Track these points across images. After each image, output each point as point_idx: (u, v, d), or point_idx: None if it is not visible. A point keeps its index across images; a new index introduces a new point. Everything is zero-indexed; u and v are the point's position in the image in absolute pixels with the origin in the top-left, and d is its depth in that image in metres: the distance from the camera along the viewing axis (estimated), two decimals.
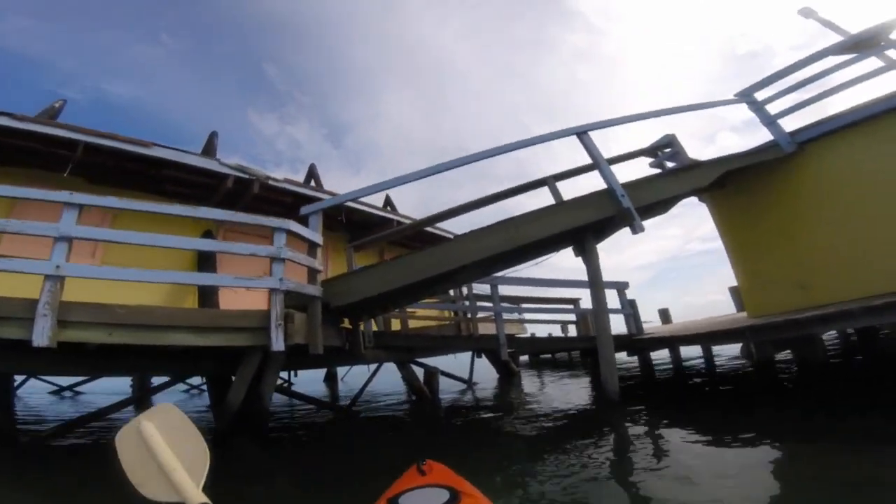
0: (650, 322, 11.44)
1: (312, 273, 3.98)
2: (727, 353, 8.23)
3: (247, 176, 6.94)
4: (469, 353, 9.29)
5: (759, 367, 4.94)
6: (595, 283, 4.96)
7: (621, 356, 9.47)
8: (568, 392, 6.73)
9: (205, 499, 1.30)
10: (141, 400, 7.28)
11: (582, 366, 11.70)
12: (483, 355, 9.97)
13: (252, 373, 3.82)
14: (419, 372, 7.83)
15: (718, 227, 6.85)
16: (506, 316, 6.72)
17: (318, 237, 4.12)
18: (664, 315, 15.16)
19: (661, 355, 7.67)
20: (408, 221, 8.50)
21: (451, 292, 8.98)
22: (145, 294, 5.47)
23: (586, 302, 8.08)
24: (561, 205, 4.58)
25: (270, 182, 7.15)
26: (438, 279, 4.58)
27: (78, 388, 10.93)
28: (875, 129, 5.03)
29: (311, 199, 7.36)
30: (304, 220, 4.20)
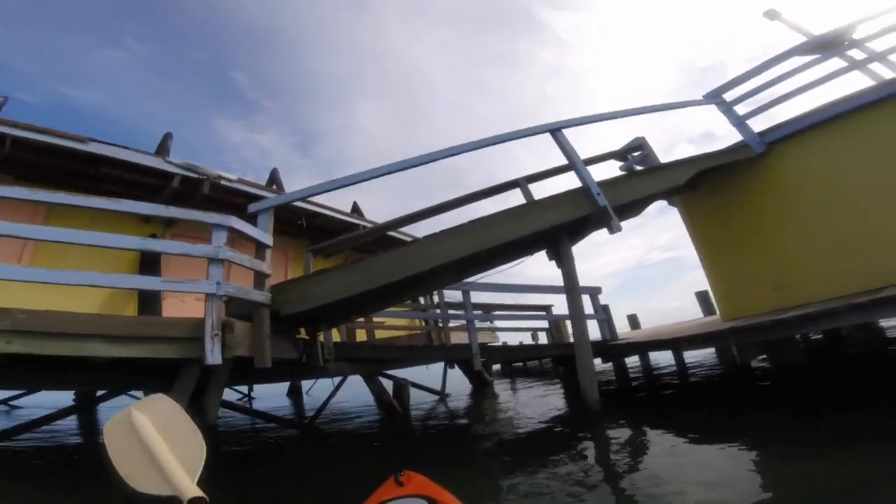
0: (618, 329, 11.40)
1: (259, 277, 3.53)
2: (698, 357, 8.17)
3: (196, 175, 6.40)
4: (441, 364, 8.93)
5: (742, 370, 4.80)
6: (571, 287, 4.72)
7: (594, 362, 9.40)
8: (544, 401, 6.43)
9: (200, 493, 1.22)
10: (82, 411, 6.54)
11: (553, 374, 11.49)
12: (455, 366, 9.61)
13: (191, 388, 3.32)
14: (388, 385, 7.40)
15: (689, 230, 6.79)
16: (478, 324, 6.38)
17: (266, 237, 3.69)
18: (633, 321, 15.26)
19: (633, 360, 7.55)
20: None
21: (422, 300, 8.66)
22: (79, 302, 4.86)
23: (557, 309, 7.95)
24: (534, 204, 4.33)
25: (222, 182, 6.61)
26: (405, 284, 4.21)
27: (14, 402, 10.22)
28: (841, 128, 5.04)
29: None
30: (253, 220, 3.77)
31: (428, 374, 10.07)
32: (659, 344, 5.32)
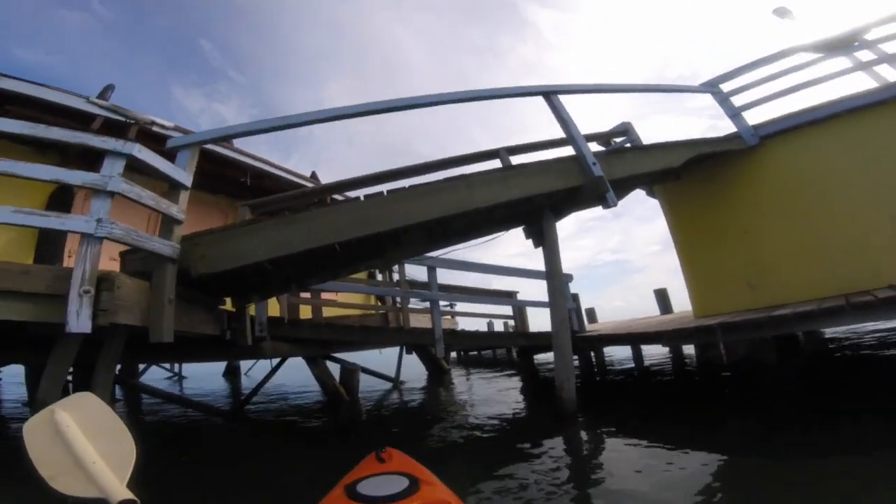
0: None
1: (168, 224, 2.67)
2: (657, 354, 7.97)
3: (123, 118, 5.27)
4: (396, 349, 8.26)
5: (725, 368, 4.46)
6: (553, 269, 4.16)
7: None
8: (507, 395, 5.91)
9: (129, 495, 1.21)
10: None
11: (508, 364, 11.12)
12: (413, 351, 8.97)
13: (67, 365, 2.45)
14: (336, 369, 6.65)
15: (669, 222, 6.50)
16: (443, 306, 5.75)
17: (183, 175, 2.82)
18: (590, 315, 15.26)
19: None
20: (338, 197, 7.22)
21: (379, 276, 7.88)
22: None
23: (522, 296, 7.47)
24: (523, 167, 3.69)
25: (154, 129, 5.50)
26: (361, 250, 3.47)
27: None
28: (835, 128, 4.84)
29: (209, 154, 5.85)
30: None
31: (381, 359, 9.37)
32: (641, 338, 4.92)
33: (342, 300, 7.14)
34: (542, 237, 4.23)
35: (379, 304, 8.50)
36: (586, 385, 5.95)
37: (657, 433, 3.06)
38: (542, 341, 6.45)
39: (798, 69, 5.09)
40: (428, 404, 6.06)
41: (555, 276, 4.13)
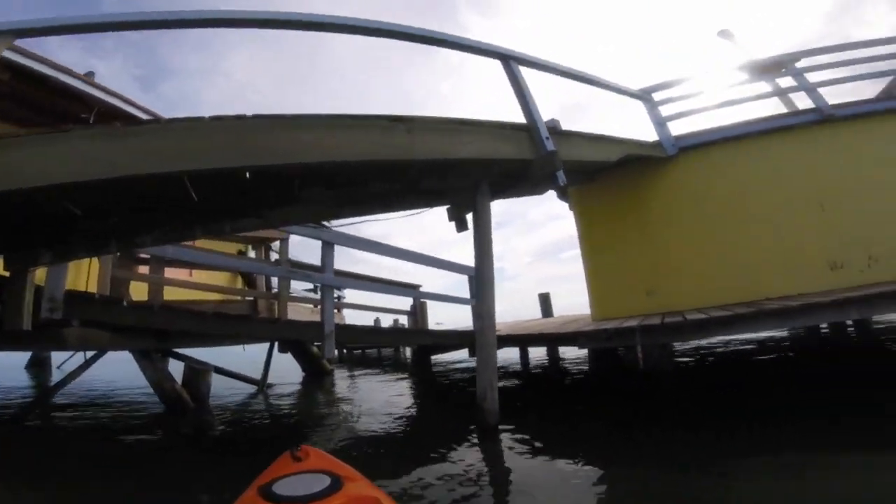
0: (442, 323, 10.75)
1: None
2: (540, 356, 7.96)
3: None
4: (265, 346, 6.80)
5: (639, 373, 4.29)
6: (483, 254, 3.47)
7: (456, 355, 8.45)
8: (405, 400, 5.05)
9: None
10: None
11: (396, 365, 10.30)
12: (288, 350, 7.52)
13: None
14: (178, 368, 5.06)
15: (578, 225, 6.48)
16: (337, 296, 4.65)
17: None
18: None
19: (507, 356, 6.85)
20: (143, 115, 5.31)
21: (252, 252, 6.35)
22: None
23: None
24: (479, 124, 2.92)
25: None
26: (230, 195, 2.33)
27: None
28: (745, 148, 5.12)
29: (42, 80, 3.89)
30: None
31: (244, 357, 7.71)
32: (557, 339, 4.55)
33: (197, 280, 5.51)
34: (476, 217, 3.53)
35: (246, 287, 6.92)
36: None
37: (585, 447, 2.71)
38: (451, 341, 5.78)
39: (725, 88, 5.38)
40: (306, 412, 4.90)
41: (485, 264, 3.45)
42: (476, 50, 3.39)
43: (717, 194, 5.20)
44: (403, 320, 11.17)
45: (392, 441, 3.34)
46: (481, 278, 3.44)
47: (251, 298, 5.91)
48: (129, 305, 3.20)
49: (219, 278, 6.62)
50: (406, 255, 5.00)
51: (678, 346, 7.03)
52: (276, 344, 6.88)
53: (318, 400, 5.89)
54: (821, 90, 4.98)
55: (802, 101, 5.16)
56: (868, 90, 5.47)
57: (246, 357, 7.73)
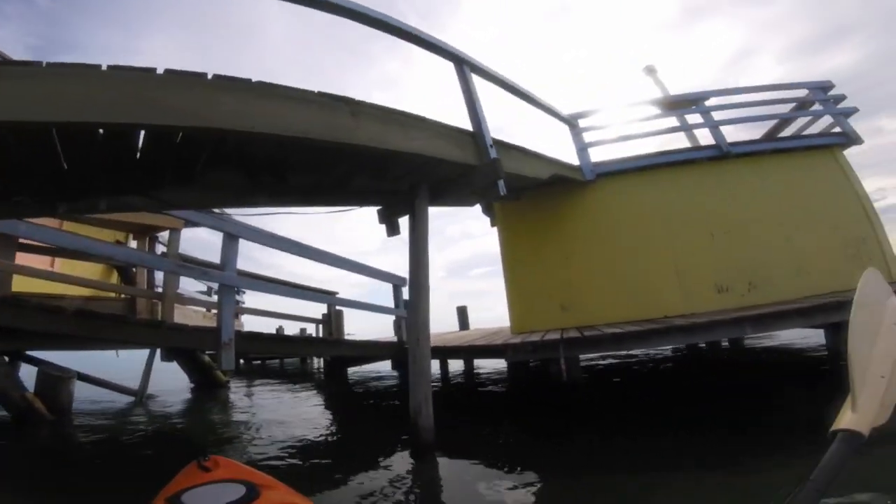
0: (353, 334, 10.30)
1: None
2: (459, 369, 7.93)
3: None
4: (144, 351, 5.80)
5: (564, 385, 4.37)
6: (418, 261, 3.28)
7: (378, 366, 7.97)
8: (319, 418, 4.57)
9: None
10: None
11: (301, 376, 9.53)
12: (174, 358, 6.50)
13: None
14: (30, 374, 4.08)
15: (501, 240, 6.59)
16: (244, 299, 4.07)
17: None
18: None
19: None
20: None
21: (133, 243, 5.38)
22: None
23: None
24: (423, 120, 2.73)
25: None
26: (114, 159, 1.87)
27: None
28: (653, 178, 5.59)
29: None
30: None
31: (118, 363, 6.50)
32: (482, 351, 4.48)
33: (62, 269, 4.50)
34: (413, 222, 3.33)
35: (115, 278, 5.87)
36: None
37: (523, 462, 2.61)
38: (375, 352, 5.42)
39: (642, 120, 5.83)
40: (200, 428, 4.21)
41: (420, 272, 3.26)
42: (432, 47, 3.22)
43: (627, 219, 5.60)
44: (311, 329, 10.45)
45: (314, 461, 2.95)
46: (416, 286, 3.24)
47: (128, 297, 4.99)
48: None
49: (88, 271, 5.51)
50: (328, 258, 4.60)
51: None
52: (159, 350, 5.92)
53: (212, 413, 5.13)
54: (721, 129, 5.58)
55: (705, 138, 5.82)
56: (756, 132, 6.38)
57: (120, 364, 6.54)
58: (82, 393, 4.73)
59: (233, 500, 1.16)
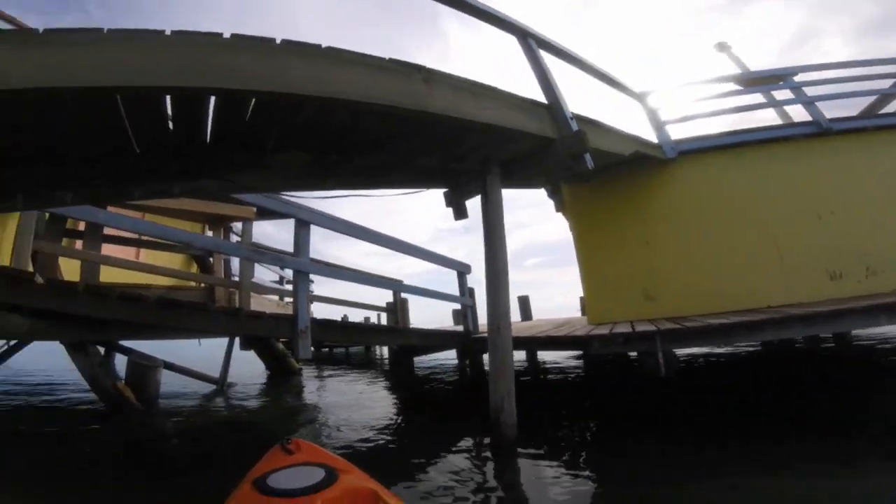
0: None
1: None
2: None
3: None
4: (224, 340, 6.10)
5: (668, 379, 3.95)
6: (495, 243, 3.05)
7: (442, 356, 7.92)
8: (398, 410, 4.50)
9: None
10: None
11: (367, 364, 9.70)
12: (251, 347, 6.80)
13: None
14: (120, 364, 4.37)
15: (572, 226, 6.23)
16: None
17: None
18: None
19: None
20: None
21: (209, 233, 5.63)
22: None
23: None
24: (494, 90, 2.49)
25: None
26: (177, 138, 1.83)
27: None
28: (744, 156, 5.02)
29: None
30: None
31: (199, 351, 6.93)
32: (568, 342, 4.16)
33: (146, 259, 4.80)
34: (485, 202, 3.10)
35: (192, 266, 6.17)
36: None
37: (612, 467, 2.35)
38: (442, 341, 5.32)
39: (722, 97, 5.29)
40: (271, 418, 4.32)
41: (497, 255, 3.03)
42: (494, 20, 2.98)
43: (715, 200, 5.07)
44: (374, 318, 10.59)
45: (387, 449, 2.87)
46: (494, 270, 3.01)
47: (207, 286, 5.23)
48: (44, 284, 2.54)
49: (169, 261, 5.82)
50: (396, 244, 4.51)
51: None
52: (238, 339, 6.20)
53: (287, 400, 5.29)
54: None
55: (797, 115, 5.16)
56: (844, 111, 5.63)
57: (202, 352, 6.97)
58: (168, 381, 5.02)
59: (314, 482, 1.22)
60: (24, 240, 2.97)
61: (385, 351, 11.47)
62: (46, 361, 7.21)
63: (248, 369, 7.42)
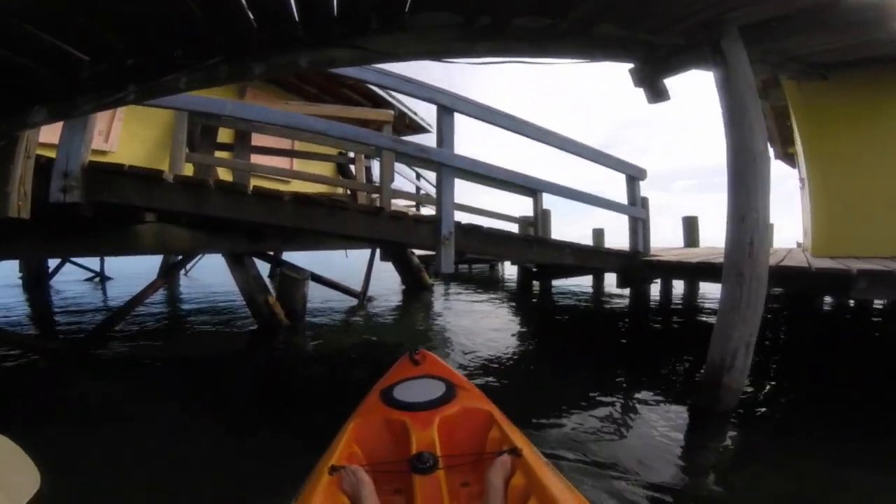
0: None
1: None
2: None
3: None
4: (365, 253, 6.11)
5: None
6: (744, 117, 1.94)
7: (580, 281, 7.08)
8: (531, 338, 3.95)
9: None
10: None
11: (490, 283, 9.24)
12: (390, 258, 6.81)
13: None
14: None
15: (801, 133, 4.62)
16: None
17: None
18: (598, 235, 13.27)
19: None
20: None
21: (352, 153, 5.30)
22: None
23: None
24: None
25: None
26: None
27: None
28: None
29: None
30: None
31: (344, 265, 7.21)
32: (813, 277, 2.95)
33: (300, 167, 4.66)
34: (724, 72, 1.95)
35: (335, 171, 6.05)
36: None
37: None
38: (597, 262, 4.36)
39: None
40: (409, 337, 4.12)
41: (753, 133, 1.95)
42: None
43: None
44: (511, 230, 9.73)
45: (548, 388, 2.47)
46: (745, 156, 2.01)
47: (351, 193, 5.07)
48: (216, 187, 2.35)
49: (322, 168, 5.74)
50: (551, 137, 3.54)
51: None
52: (376, 251, 6.16)
53: (419, 314, 5.21)
54: None
55: None
56: None
57: (347, 265, 7.27)
58: (316, 294, 5.16)
59: (433, 397, 1.31)
60: (178, 150, 2.88)
61: (509, 271, 10.95)
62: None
63: (386, 283, 7.59)
